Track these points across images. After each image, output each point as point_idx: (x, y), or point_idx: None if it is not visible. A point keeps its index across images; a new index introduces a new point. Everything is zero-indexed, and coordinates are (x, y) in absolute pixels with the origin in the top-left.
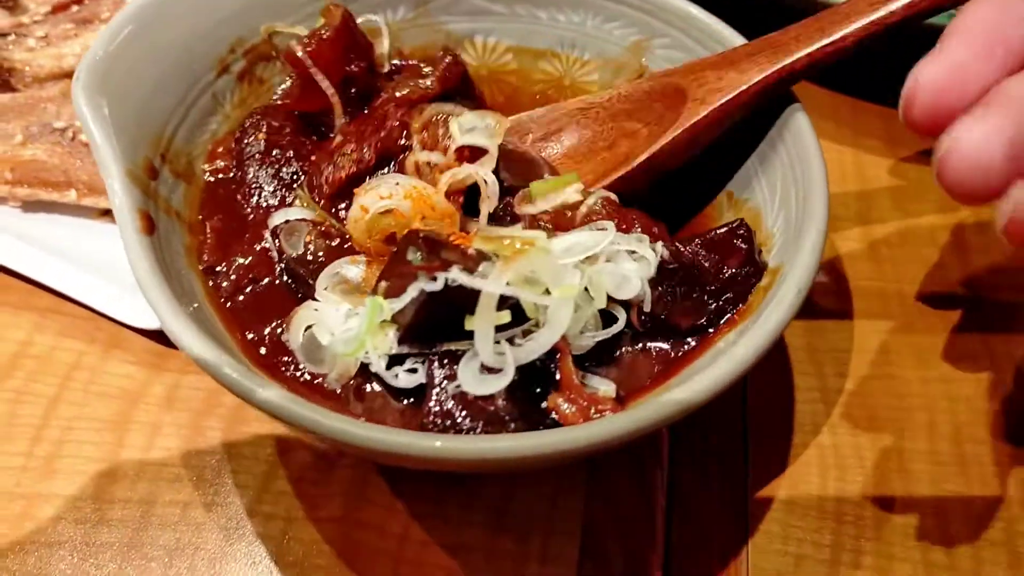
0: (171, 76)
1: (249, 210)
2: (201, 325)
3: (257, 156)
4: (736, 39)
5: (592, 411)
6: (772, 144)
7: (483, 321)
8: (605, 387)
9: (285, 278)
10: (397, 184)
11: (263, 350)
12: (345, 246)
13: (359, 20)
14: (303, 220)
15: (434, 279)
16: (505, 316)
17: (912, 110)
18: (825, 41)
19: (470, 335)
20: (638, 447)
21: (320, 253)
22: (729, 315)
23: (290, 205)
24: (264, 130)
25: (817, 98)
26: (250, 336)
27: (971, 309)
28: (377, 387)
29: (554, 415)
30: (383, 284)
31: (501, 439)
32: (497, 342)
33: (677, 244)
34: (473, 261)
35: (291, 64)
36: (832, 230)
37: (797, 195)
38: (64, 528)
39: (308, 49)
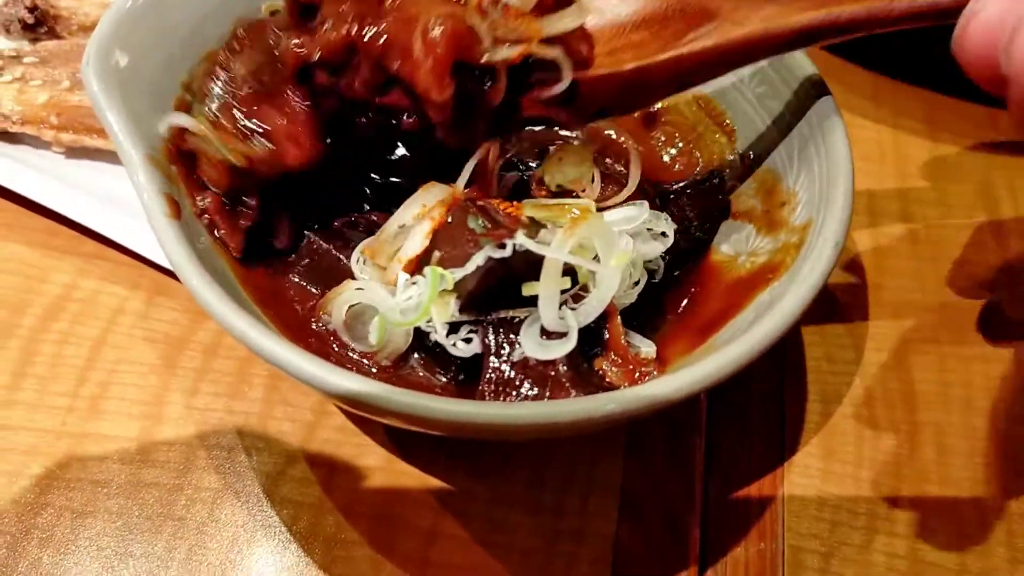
0: (179, 57)
1: None
2: (248, 312)
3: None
4: None
5: (636, 373)
6: (783, 101)
7: (548, 287)
8: (647, 347)
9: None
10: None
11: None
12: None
13: None
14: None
15: (502, 246)
16: (566, 282)
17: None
18: (880, 4)
19: (524, 302)
20: (677, 410)
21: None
22: None
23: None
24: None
25: (856, 77)
26: (278, 313)
27: (1010, 289)
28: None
29: (602, 376)
30: (437, 254)
31: (568, 404)
32: (559, 307)
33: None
34: (533, 230)
35: None
36: (871, 209)
37: (818, 152)
38: (110, 467)
39: None
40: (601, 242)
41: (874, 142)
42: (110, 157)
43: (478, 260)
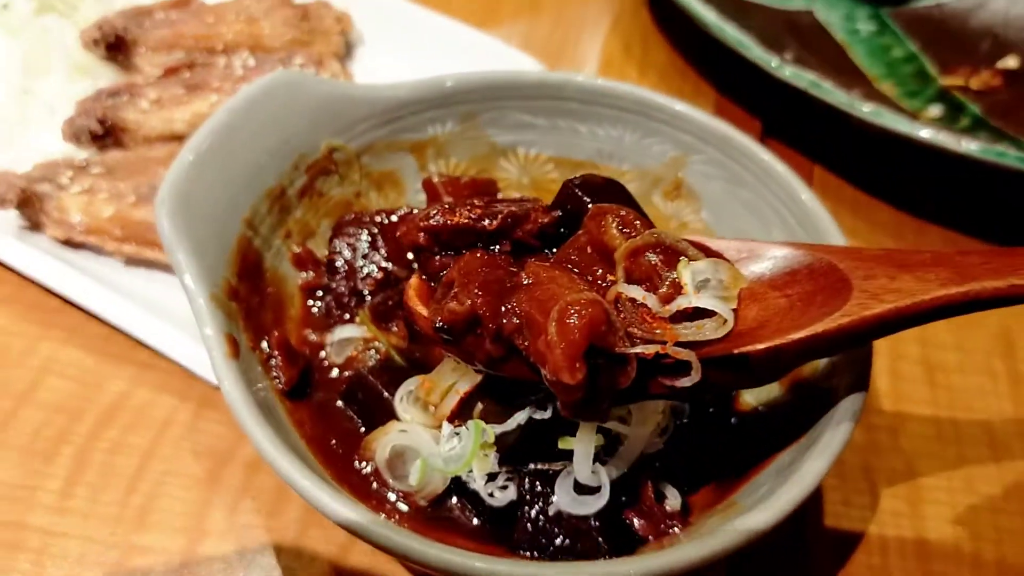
0: (242, 195)
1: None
2: (293, 451)
3: (342, 268)
4: (771, 160)
5: (662, 525)
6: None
7: (584, 444)
8: (673, 498)
9: (342, 400)
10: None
11: (333, 466)
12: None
13: (408, 135)
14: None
15: (544, 408)
16: (600, 439)
17: None
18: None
19: (559, 453)
20: None
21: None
22: None
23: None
24: (354, 239)
25: (880, 214)
26: (321, 448)
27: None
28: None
29: (630, 526)
30: (479, 407)
31: (596, 567)
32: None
33: None
34: None
35: (425, 188)
36: (892, 351)
37: None
38: None
39: (442, 180)
40: (637, 406)
41: None
42: (166, 268)
43: (520, 419)
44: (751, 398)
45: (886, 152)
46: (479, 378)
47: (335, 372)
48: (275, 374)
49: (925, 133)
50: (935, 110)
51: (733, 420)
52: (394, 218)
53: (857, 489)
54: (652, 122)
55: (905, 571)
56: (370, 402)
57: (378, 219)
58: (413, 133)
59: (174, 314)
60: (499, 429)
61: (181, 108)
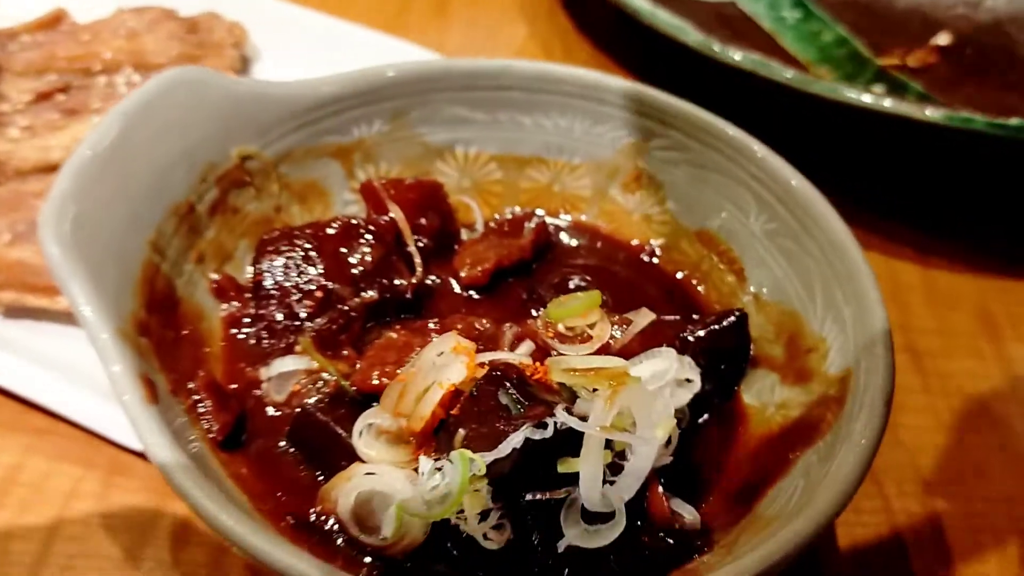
0: (144, 213)
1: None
2: (231, 504)
3: (272, 290)
4: (742, 137)
5: (685, 549)
6: (798, 239)
7: (591, 465)
8: (689, 515)
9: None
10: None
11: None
12: (347, 398)
13: (331, 138)
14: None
15: (543, 426)
16: (608, 455)
17: None
18: None
19: (557, 479)
20: None
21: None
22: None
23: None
24: (284, 257)
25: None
26: (268, 505)
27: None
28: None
29: (649, 553)
30: (462, 433)
31: None
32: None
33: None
34: (567, 400)
35: (364, 193)
36: None
37: (845, 295)
38: None
39: (384, 183)
40: (640, 410)
41: None
42: (53, 316)
43: (515, 441)
44: (755, 399)
45: (841, 139)
46: (466, 372)
47: (274, 411)
48: (205, 422)
49: (888, 103)
50: (878, 90)
51: (735, 424)
52: (329, 231)
53: (864, 493)
54: (604, 107)
55: (929, 571)
56: (323, 443)
57: (309, 231)
58: (337, 135)
59: (71, 368)
60: (490, 456)
61: (58, 134)
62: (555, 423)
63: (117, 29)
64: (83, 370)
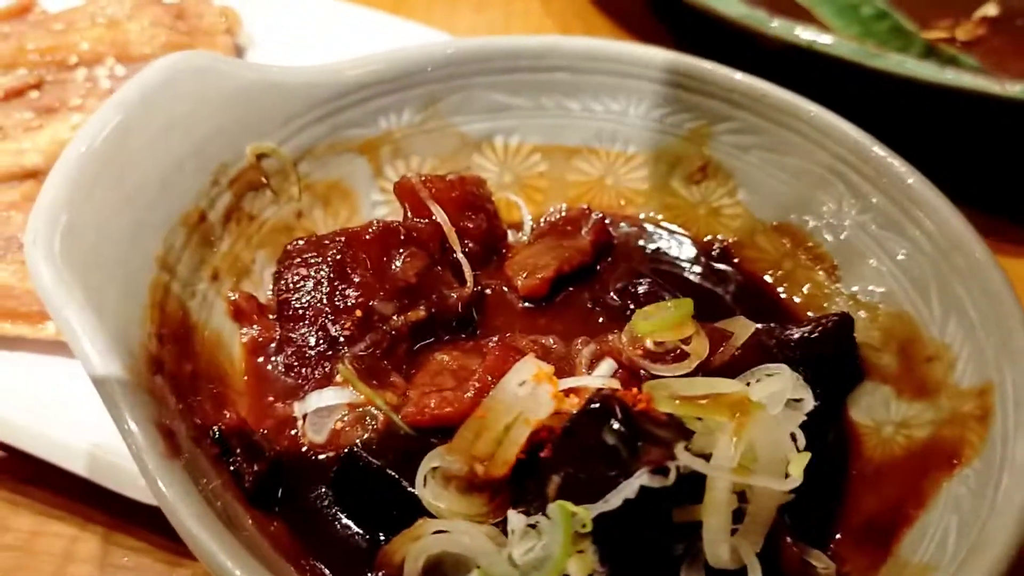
0: (148, 223)
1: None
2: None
3: (302, 310)
4: (823, 114)
5: None
6: (902, 231)
7: (716, 512)
8: (823, 566)
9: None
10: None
11: None
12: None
13: (356, 131)
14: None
15: (663, 471)
16: (735, 500)
17: None
18: None
19: (676, 531)
20: None
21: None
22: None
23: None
24: (312, 270)
25: None
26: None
27: None
28: None
29: None
30: (556, 480)
31: None
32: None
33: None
34: (682, 436)
35: (401, 194)
36: None
37: (969, 293)
38: None
39: (424, 179)
40: (765, 444)
41: None
42: (35, 347)
43: (627, 491)
44: (867, 417)
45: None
46: (555, 404)
47: (314, 456)
48: (234, 475)
49: (967, 80)
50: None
51: (846, 447)
52: (366, 237)
53: None
54: (663, 87)
55: None
56: (376, 493)
57: (340, 238)
58: (361, 128)
59: (60, 406)
60: (595, 510)
61: (32, 134)
62: (678, 467)
63: (94, 16)
64: (75, 407)
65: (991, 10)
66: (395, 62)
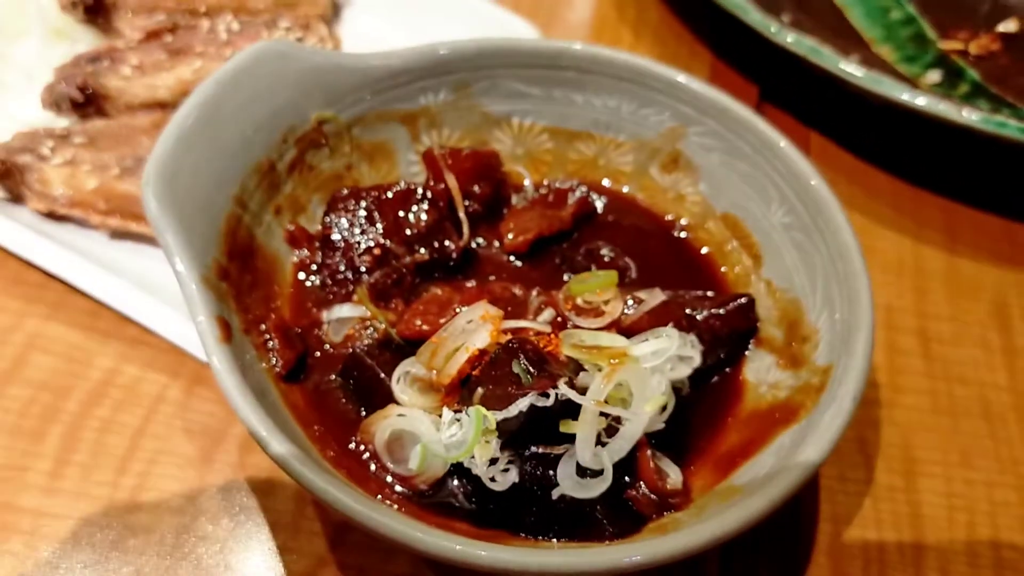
0: (230, 171)
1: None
2: (288, 435)
3: (338, 243)
4: (771, 133)
5: (663, 505)
6: (809, 236)
7: (585, 430)
8: (674, 475)
9: (338, 381)
10: (471, 320)
11: (329, 450)
12: (392, 345)
13: (399, 105)
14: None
15: (545, 395)
16: (603, 422)
17: None
18: None
19: (560, 437)
20: None
21: (366, 345)
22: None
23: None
24: (351, 214)
25: (877, 182)
26: (317, 432)
27: (1017, 412)
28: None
29: (632, 505)
30: (480, 392)
31: (600, 553)
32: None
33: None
34: (572, 372)
35: (425, 160)
36: (888, 324)
37: (841, 294)
38: (148, 561)
39: (443, 152)
40: (636, 386)
41: (893, 253)
42: (152, 241)
43: (521, 406)
44: (752, 376)
45: (884, 119)
46: (490, 338)
47: (330, 350)
48: (272, 357)
49: (924, 101)
50: (934, 75)
51: (731, 396)
52: (389, 194)
53: (852, 463)
54: (650, 92)
55: (899, 546)
56: (367, 383)
57: (375, 193)
58: (404, 103)
59: (162, 289)
60: (500, 415)
61: (164, 74)
62: (557, 394)
63: None
64: (173, 291)
65: (1011, 26)
66: (433, 55)
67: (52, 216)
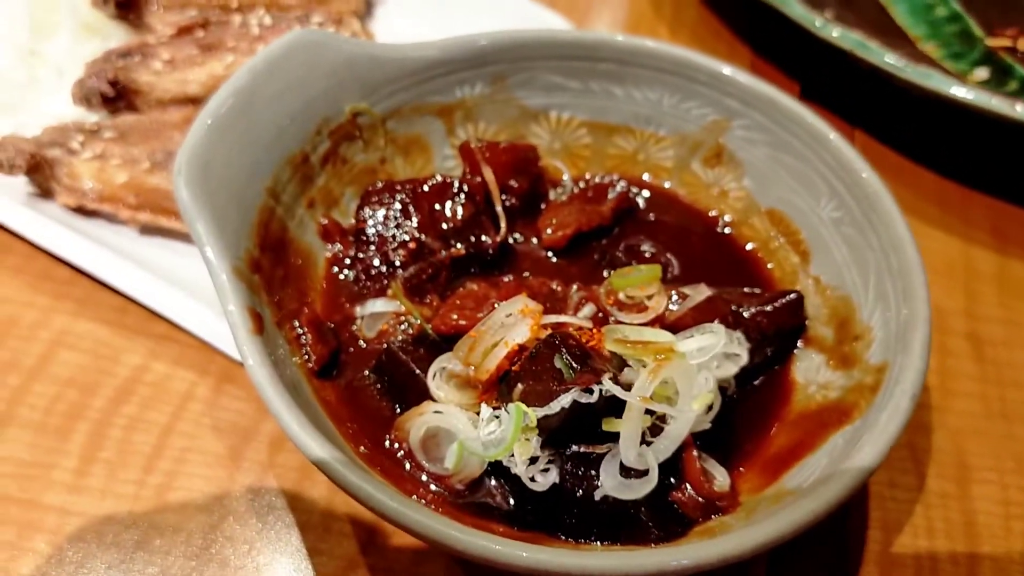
0: (263, 162)
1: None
2: (321, 432)
3: (372, 237)
4: (820, 125)
5: (710, 507)
6: (861, 230)
7: (630, 428)
8: (721, 477)
9: (371, 377)
10: (510, 314)
11: (363, 448)
12: (427, 340)
13: (435, 98)
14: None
15: (589, 391)
16: (648, 420)
17: None
18: None
19: (602, 435)
20: None
21: (400, 341)
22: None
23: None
24: (385, 208)
25: (924, 181)
26: (350, 429)
27: None
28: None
29: (678, 508)
30: (520, 388)
31: (644, 556)
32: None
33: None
34: (616, 368)
35: (462, 154)
36: (937, 325)
37: (895, 290)
38: (175, 562)
39: (480, 146)
40: (682, 383)
41: (942, 253)
42: (182, 237)
43: (563, 402)
44: (801, 376)
45: (931, 116)
46: (530, 332)
47: (364, 346)
48: (305, 352)
49: (974, 96)
50: (982, 73)
51: (779, 397)
52: (425, 187)
53: (902, 469)
54: (693, 84)
55: (952, 554)
56: (402, 379)
57: (409, 187)
58: (441, 96)
59: (192, 285)
60: (541, 412)
61: (195, 69)
62: (600, 390)
63: None
64: (203, 288)
65: None
66: (470, 45)
67: (81, 211)
